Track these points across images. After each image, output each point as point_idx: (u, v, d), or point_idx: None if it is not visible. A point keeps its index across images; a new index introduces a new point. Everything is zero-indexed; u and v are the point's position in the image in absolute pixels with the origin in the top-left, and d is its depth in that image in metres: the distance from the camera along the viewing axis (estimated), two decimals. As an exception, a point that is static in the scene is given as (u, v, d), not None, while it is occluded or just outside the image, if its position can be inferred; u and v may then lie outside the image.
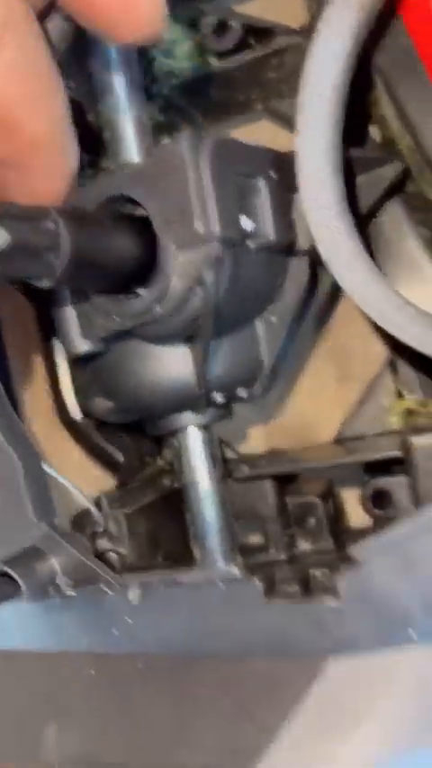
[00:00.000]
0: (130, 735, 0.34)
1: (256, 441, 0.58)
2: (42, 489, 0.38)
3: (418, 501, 0.43)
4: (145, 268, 0.38)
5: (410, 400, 0.52)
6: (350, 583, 0.31)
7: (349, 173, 0.41)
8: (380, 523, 0.51)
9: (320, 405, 0.57)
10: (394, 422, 0.54)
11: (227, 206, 0.36)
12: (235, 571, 0.33)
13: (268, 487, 0.53)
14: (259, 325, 0.46)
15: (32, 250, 0.32)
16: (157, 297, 0.37)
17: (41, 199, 0.33)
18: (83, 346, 0.41)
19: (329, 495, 0.55)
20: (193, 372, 0.44)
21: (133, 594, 0.36)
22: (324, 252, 0.36)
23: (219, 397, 0.46)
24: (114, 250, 0.36)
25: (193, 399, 0.45)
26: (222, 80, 0.51)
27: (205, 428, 0.49)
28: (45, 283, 0.34)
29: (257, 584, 0.33)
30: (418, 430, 0.44)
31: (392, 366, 0.53)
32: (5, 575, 0.37)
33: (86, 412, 0.49)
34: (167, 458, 0.56)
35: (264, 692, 0.32)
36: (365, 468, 0.54)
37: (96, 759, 0.34)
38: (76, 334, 0.41)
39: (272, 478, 0.53)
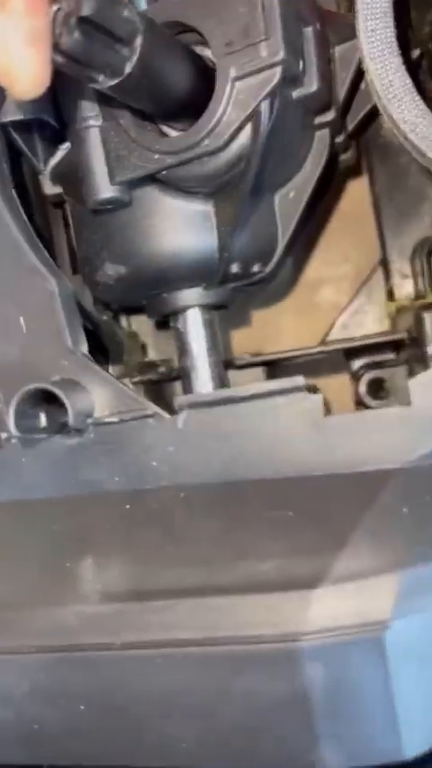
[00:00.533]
0: (179, 559, 0.32)
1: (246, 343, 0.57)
2: (75, 318, 0.36)
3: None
4: (194, 105, 0.36)
5: (402, 300, 0.53)
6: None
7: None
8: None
9: (317, 304, 0.57)
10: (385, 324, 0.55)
11: (290, 36, 0.35)
12: (300, 380, 0.32)
13: (261, 376, 0.52)
14: (277, 200, 0.46)
15: (109, 30, 0.30)
16: (209, 128, 0.36)
17: None
18: (107, 192, 0.39)
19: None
20: (216, 236, 0.43)
21: (180, 418, 0.34)
22: (379, 88, 0.36)
23: (235, 268, 0.45)
24: (177, 68, 0.34)
25: (212, 268, 0.44)
26: None
27: (209, 309, 0.48)
28: (107, 82, 0.32)
29: (317, 397, 0.32)
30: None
31: (385, 267, 0.54)
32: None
33: (93, 284, 0.45)
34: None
35: (327, 506, 0.31)
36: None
37: (138, 586, 0.32)
38: (102, 178, 0.39)
39: (265, 366, 0.52)
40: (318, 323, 0.58)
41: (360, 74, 0.47)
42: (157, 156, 0.38)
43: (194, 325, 0.48)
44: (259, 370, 0.53)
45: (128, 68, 0.31)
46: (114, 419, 0.34)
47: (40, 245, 0.37)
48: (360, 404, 0.52)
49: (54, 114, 0.40)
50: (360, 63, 0.46)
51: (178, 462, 0.34)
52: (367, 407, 0.52)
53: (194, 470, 0.34)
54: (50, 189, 0.46)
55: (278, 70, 0.35)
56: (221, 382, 0.49)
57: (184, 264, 0.43)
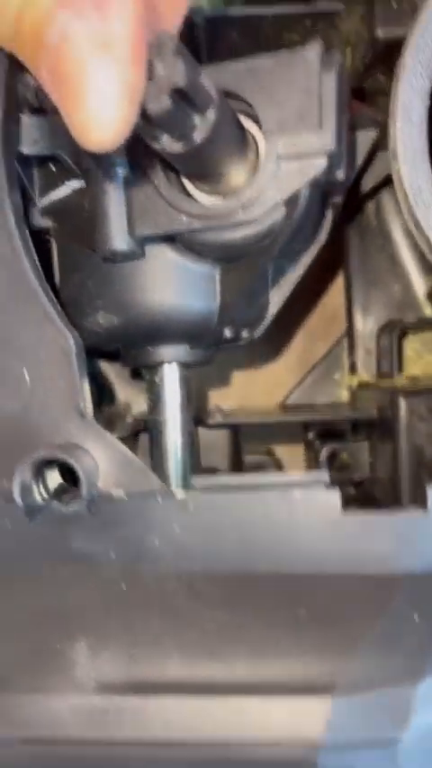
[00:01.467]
0: (182, 651, 0.31)
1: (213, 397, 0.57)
2: (85, 379, 0.34)
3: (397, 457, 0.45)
4: (227, 171, 0.36)
5: (364, 375, 0.55)
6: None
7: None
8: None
9: (280, 367, 0.57)
10: (343, 395, 0.57)
11: (340, 126, 0.35)
12: (325, 476, 0.32)
13: (228, 439, 0.52)
14: (272, 269, 0.46)
15: (192, 99, 0.29)
16: (246, 202, 0.36)
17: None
18: (124, 244, 0.37)
19: (273, 457, 0.55)
20: (218, 300, 0.42)
21: (191, 498, 0.33)
22: (409, 191, 0.37)
23: (228, 333, 0.45)
24: (232, 139, 0.34)
25: (207, 329, 0.43)
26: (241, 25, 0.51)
27: (186, 367, 0.47)
28: (172, 147, 0.31)
29: (336, 493, 0.32)
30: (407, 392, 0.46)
31: (351, 341, 0.56)
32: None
33: (77, 328, 0.43)
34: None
35: (339, 607, 0.31)
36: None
37: (139, 678, 0.30)
38: (120, 228, 0.37)
39: (231, 430, 0.52)
40: (277, 384, 0.59)
41: (368, 161, 0.48)
42: (185, 218, 0.37)
43: (171, 381, 0.47)
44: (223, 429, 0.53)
45: (197, 138, 0.31)
46: (122, 493, 0.33)
47: (52, 293, 0.35)
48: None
49: (71, 152, 0.38)
50: (371, 152, 0.48)
51: (183, 545, 0.33)
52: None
53: (200, 556, 0.33)
54: (39, 222, 0.44)
55: (325, 160, 0.35)
56: (191, 440, 0.48)
57: (181, 324, 0.42)
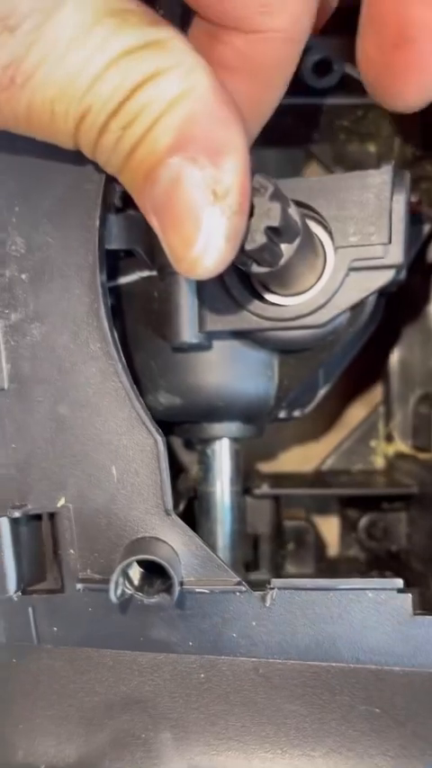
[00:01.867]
0: (267, 744, 0.32)
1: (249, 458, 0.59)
2: (168, 477, 0.36)
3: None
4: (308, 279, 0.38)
5: (401, 445, 0.57)
6: None
7: None
8: (372, 553, 0.55)
9: (314, 431, 0.60)
10: (378, 462, 0.59)
11: (407, 239, 0.38)
12: (399, 582, 0.34)
13: (270, 506, 0.54)
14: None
15: (283, 234, 0.32)
16: (316, 308, 0.38)
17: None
18: (193, 338, 0.39)
19: (311, 524, 0.57)
20: (275, 386, 0.44)
21: (269, 597, 0.35)
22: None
23: (282, 414, 0.47)
24: (308, 252, 0.36)
25: (263, 411, 0.45)
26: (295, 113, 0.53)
27: (237, 441, 0.49)
28: (256, 269, 0.33)
29: (408, 597, 0.34)
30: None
31: (387, 410, 0.58)
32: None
33: None
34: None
35: (413, 707, 0.33)
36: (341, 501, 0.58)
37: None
38: (190, 323, 0.39)
39: (273, 499, 0.54)
40: (312, 448, 0.61)
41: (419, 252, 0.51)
42: (254, 318, 0.39)
43: (223, 455, 0.49)
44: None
45: (282, 262, 0.33)
46: (205, 590, 0.35)
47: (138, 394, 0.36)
48: (359, 543, 0.55)
49: (146, 248, 0.40)
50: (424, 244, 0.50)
51: (259, 638, 0.35)
52: (364, 547, 0.55)
53: (275, 648, 0.35)
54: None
55: (393, 272, 0.37)
56: (240, 511, 0.50)
57: (239, 406, 0.44)
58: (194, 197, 0.27)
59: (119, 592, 0.33)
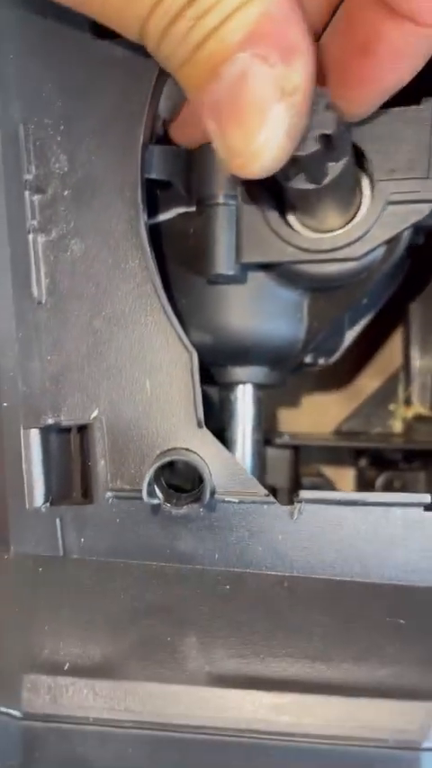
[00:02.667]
0: (292, 651, 0.33)
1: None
2: (199, 391, 0.37)
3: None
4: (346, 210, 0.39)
5: (419, 407, 0.58)
6: None
7: None
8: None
9: (332, 397, 0.60)
10: (396, 425, 0.59)
11: None
12: (427, 498, 0.34)
13: (289, 459, 0.54)
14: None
15: (333, 149, 0.33)
16: (353, 240, 0.39)
17: None
18: (230, 269, 0.40)
19: (328, 481, 0.58)
20: (304, 329, 0.45)
21: (296, 510, 0.35)
22: None
23: (308, 359, 0.48)
24: (350, 181, 0.37)
25: (290, 355, 0.46)
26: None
27: (262, 387, 0.50)
28: (301, 185, 0.34)
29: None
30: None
31: (407, 374, 0.58)
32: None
33: None
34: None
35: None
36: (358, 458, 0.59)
37: (250, 673, 0.32)
38: (227, 254, 0.40)
39: (292, 451, 0.55)
40: (329, 413, 0.61)
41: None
42: (290, 250, 0.39)
43: (246, 401, 0.49)
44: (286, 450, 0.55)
45: (327, 180, 0.34)
46: (234, 499, 0.35)
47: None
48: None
49: (183, 180, 0.41)
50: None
51: (285, 552, 0.35)
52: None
53: (300, 563, 0.35)
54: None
55: (429, 206, 0.38)
56: (260, 459, 0.50)
57: (268, 348, 0.45)
58: (262, 91, 0.27)
59: (150, 493, 0.33)
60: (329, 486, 0.56)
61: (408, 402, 0.58)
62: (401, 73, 0.33)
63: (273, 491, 0.55)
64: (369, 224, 0.38)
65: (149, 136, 0.38)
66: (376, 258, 0.41)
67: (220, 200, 0.39)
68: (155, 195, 0.44)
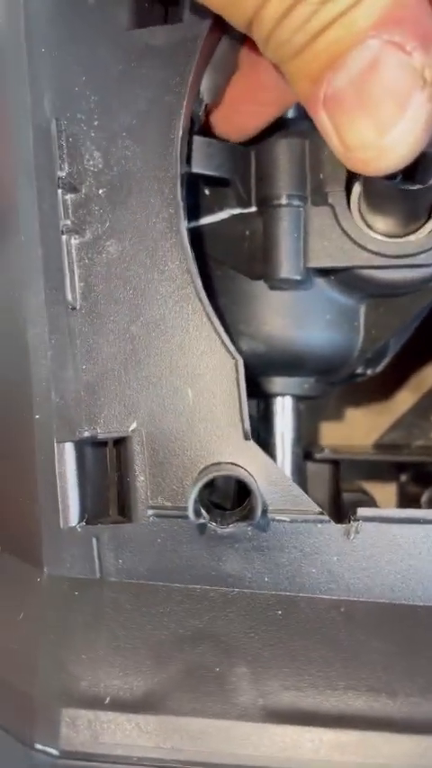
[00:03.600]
0: (353, 684, 0.30)
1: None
2: (245, 401, 0.34)
3: None
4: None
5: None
6: None
7: None
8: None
9: (374, 409, 0.58)
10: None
11: None
12: None
13: (329, 474, 0.52)
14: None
15: None
16: (429, 246, 0.36)
17: None
18: (296, 274, 0.37)
19: (370, 497, 0.55)
20: (360, 338, 0.43)
21: (353, 529, 0.32)
22: None
23: (359, 369, 0.46)
24: None
25: (345, 365, 0.43)
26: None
27: (302, 399, 0.48)
28: (405, 186, 0.32)
29: None
30: None
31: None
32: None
33: None
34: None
35: None
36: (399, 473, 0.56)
37: (307, 708, 0.30)
38: (294, 258, 0.37)
39: (333, 466, 0.52)
40: (371, 426, 0.59)
41: None
42: (365, 255, 0.37)
43: (287, 413, 0.47)
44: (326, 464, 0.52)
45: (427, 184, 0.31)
46: (285, 518, 0.33)
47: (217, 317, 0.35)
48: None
49: (241, 178, 0.39)
50: None
51: (341, 574, 0.33)
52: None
53: (358, 586, 0.32)
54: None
55: None
56: (301, 474, 0.48)
57: (321, 358, 0.42)
58: (401, 80, 0.25)
59: (197, 511, 0.31)
60: (372, 502, 0.53)
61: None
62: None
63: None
64: None
65: (190, 128, 0.36)
66: None
67: (285, 200, 0.37)
68: (202, 194, 0.42)
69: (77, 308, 0.35)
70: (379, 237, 0.36)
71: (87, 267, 0.35)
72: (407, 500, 0.55)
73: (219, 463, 0.33)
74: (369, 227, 0.37)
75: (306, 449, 0.51)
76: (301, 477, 0.48)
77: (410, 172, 0.31)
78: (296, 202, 0.37)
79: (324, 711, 0.29)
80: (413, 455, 0.54)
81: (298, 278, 0.37)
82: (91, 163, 0.35)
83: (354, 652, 0.31)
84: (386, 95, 0.25)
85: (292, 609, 0.32)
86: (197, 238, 0.42)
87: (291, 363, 0.42)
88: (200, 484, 0.30)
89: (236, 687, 0.30)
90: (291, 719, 0.29)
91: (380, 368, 0.47)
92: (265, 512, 0.32)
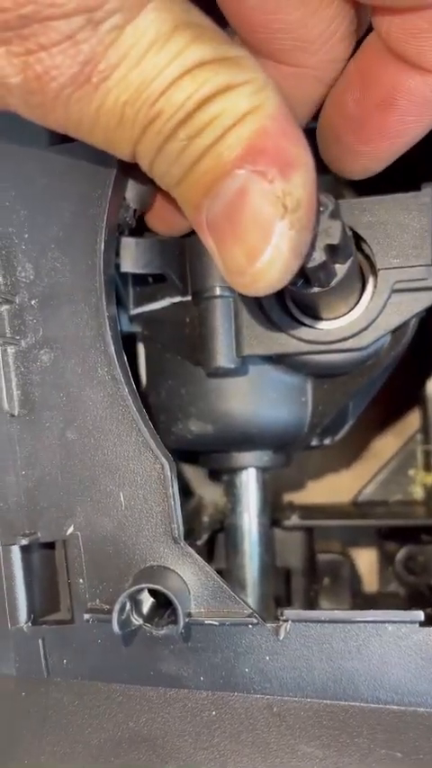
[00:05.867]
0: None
1: (284, 490, 0.57)
2: (178, 503, 0.35)
3: None
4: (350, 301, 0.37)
5: (439, 474, 0.55)
6: None
7: None
8: (412, 588, 0.52)
9: (350, 461, 0.58)
10: (417, 492, 0.56)
11: None
12: (420, 615, 0.32)
13: (302, 539, 0.52)
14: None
15: (340, 253, 0.31)
16: (356, 331, 0.37)
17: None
18: (230, 362, 0.38)
19: (347, 557, 0.55)
20: (309, 412, 0.43)
21: (282, 630, 0.33)
22: None
23: (314, 441, 0.46)
24: (355, 275, 0.35)
25: (297, 438, 0.44)
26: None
27: (264, 471, 0.48)
28: (308, 289, 0.33)
29: (430, 630, 0.32)
30: None
31: (425, 437, 0.55)
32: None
33: (166, 433, 0.44)
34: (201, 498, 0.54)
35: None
36: (379, 533, 0.56)
37: None
38: (227, 347, 0.38)
39: (305, 531, 0.52)
40: (348, 478, 0.58)
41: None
42: (294, 342, 0.38)
43: (250, 485, 0.48)
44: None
45: (334, 282, 0.32)
46: (214, 622, 0.33)
47: (148, 418, 0.36)
48: (397, 577, 0.52)
49: (178, 272, 0.40)
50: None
51: (273, 673, 0.33)
52: (403, 582, 0.52)
53: (290, 685, 0.33)
54: (127, 327, 0.45)
55: None
56: (269, 544, 0.48)
57: (272, 433, 0.43)
58: (264, 209, 0.26)
59: (123, 622, 0.31)
60: (348, 564, 0.53)
61: (428, 467, 0.55)
62: (425, 124, 0.32)
63: (287, 573, 0.52)
64: (374, 313, 0.36)
65: (118, 231, 0.37)
66: (382, 346, 0.39)
67: (218, 292, 0.38)
68: (146, 283, 0.43)
69: (16, 414, 0.36)
70: (306, 325, 0.37)
71: (24, 375, 0.36)
72: (386, 559, 0.55)
73: (152, 567, 0.34)
74: (303, 313, 0.37)
75: (276, 515, 0.51)
76: (268, 546, 0.48)
77: (308, 278, 0.32)
78: (227, 293, 0.37)
79: None
80: (390, 514, 0.53)
81: (232, 366, 0.38)
82: (23, 275, 0.36)
83: (282, 757, 0.31)
84: (252, 224, 0.26)
85: (225, 709, 0.33)
86: (151, 322, 0.43)
87: (240, 441, 0.43)
88: (122, 598, 0.31)
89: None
90: None
91: (339, 436, 0.47)
92: (189, 616, 0.33)
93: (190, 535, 0.48)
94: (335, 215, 0.29)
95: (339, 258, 0.31)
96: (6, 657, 0.36)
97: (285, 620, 0.33)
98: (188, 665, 0.34)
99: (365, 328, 0.36)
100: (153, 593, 0.35)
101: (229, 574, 0.47)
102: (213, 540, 0.52)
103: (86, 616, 0.34)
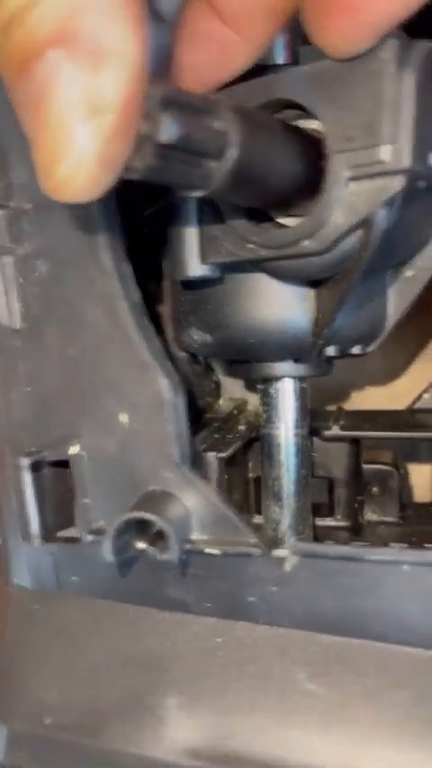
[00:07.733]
0: (274, 722, 0.30)
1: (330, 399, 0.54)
2: (185, 428, 0.33)
3: None
4: (302, 193, 0.31)
5: None
6: None
7: None
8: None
9: (405, 371, 0.53)
10: None
11: (423, 135, 0.28)
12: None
13: (348, 449, 0.49)
14: (390, 279, 0.41)
15: (195, 152, 0.25)
16: (311, 230, 0.31)
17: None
18: (197, 271, 0.34)
19: (398, 468, 0.52)
20: (311, 319, 0.39)
21: (288, 561, 0.31)
22: None
23: (331, 351, 0.42)
24: (279, 164, 0.29)
25: (303, 349, 0.40)
26: None
27: (301, 380, 0.45)
28: (190, 193, 0.27)
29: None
30: None
31: None
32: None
33: (179, 342, 0.42)
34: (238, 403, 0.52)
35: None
36: None
37: (228, 750, 0.30)
38: (192, 256, 0.34)
39: (351, 441, 0.49)
40: (400, 390, 0.54)
41: None
42: (251, 247, 0.33)
43: (286, 396, 0.44)
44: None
45: (215, 183, 0.26)
46: (216, 551, 0.32)
47: (155, 335, 0.33)
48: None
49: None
50: None
51: (280, 605, 0.31)
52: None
53: (297, 617, 0.31)
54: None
55: (401, 178, 0.29)
56: (306, 455, 0.46)
57: (274, 343, 0.39)
58: (68, 107, 0.21)
59: (118, 549, 0.30)
60: (396, 476, 0.50)
61: None
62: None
63: (330, 483, 0.50)
64: (329, 209, 0.30)
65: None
66: (354, 247, 0.33)
67: (181, 199, 0.34)
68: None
69: (18, 328, 0.34)
70: (265, 227, 0.32)
71: (23, 287, 0.34)
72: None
73: (154, 492, 0.33)
74: (265, 214, 0.33)
75: (318, 425, 0.48)
76: (306, 457, 0.46)
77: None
78: (192, 200, 0.33)
79: (241, 755, 0.29)
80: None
81: (200, 274, 0.34)
82: (17, 177, 0.33)
83: (284, 691, 0.30)
84: (56, 122, 0.21)
85: (231, 637, 0.32)
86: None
87: (244, 351, 0.39)
88: (114, 527, 0.30)
89: (163, 719, 0.30)
90: (205, 759, 0.29)
91: (374, 346, 0.43)
92: (190, 542, 0.31)
93: (219, 444, 0.46)
94: (169, 105, 0.22)
95: (203, 155, 0.25)
96: (22, 570, 0.36)
97: (292, 553, 0.31)
98: (192, 591, 0.33)
99: (321, 227, 0.30)
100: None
101: (265, 485, 0.46)
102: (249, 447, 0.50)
103: (90, 537, 0.34)
